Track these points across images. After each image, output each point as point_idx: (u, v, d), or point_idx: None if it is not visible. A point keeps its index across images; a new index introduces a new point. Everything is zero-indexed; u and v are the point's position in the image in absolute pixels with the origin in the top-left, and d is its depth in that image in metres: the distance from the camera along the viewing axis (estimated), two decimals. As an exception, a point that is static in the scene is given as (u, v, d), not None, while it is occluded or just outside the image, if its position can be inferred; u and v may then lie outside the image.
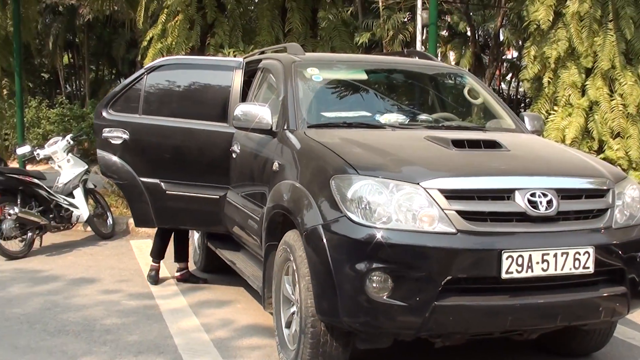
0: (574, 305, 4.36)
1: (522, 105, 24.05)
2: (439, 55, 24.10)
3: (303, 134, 5.22)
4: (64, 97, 26.70)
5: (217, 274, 7.54)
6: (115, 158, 6.71)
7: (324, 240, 4.28)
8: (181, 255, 7.53)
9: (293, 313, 4.82)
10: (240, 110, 5.58)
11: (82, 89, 34.63)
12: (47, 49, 30.19)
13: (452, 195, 4.19)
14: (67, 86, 34.82)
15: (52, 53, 30.67)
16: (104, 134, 6.72)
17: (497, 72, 24.75)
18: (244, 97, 6.59)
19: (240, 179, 6.22)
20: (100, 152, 6.78)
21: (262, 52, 7.31)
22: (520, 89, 26.37)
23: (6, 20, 14.54)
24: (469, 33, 22.94)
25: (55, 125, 21.66)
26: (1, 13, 14.54)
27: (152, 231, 9.34)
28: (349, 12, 24.54)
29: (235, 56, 10.20)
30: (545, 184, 4.40)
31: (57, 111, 22.76)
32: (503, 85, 29.11)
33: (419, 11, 19.12)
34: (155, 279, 7.39)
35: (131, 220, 9.75)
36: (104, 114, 6.78)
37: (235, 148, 6.24)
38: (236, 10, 11.83)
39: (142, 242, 9.53)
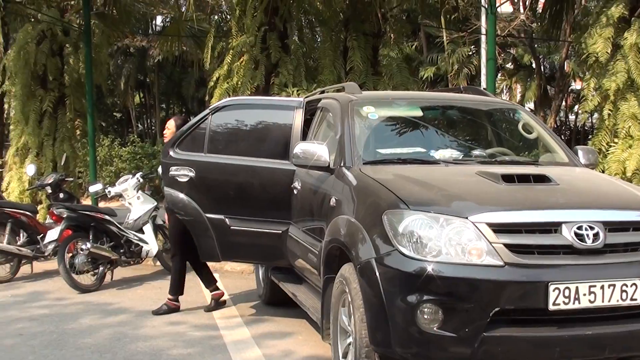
0: (622, 337, 4.41)
1: (590, 137, 23.84)
2: (504, 88, 24.03)
3: (359, 170, 5.42)
4: (135, 136, 27.34)
5: (281, 307, 7.73)
6: (182, 195, 7.01)
7: (377, 273, 4.46)
8: (209, 281, 8.10)
9: (349, 344, 4.99)
10: (299, 148, 5.81)
11: (153, 128, 35.35)
12: (119, 89, 30.97)
13: (499, 228, 4.32)
14: (139, 125, 35.58)
15: (124, 93, 31.44)
16: (171, 172, 7.02)
17: (564, 104, 24.54)
18: (304, 136, 6.83)
19: (300, 214, 6.44)
20: (167, 190, 7.10)
21: (322, 92, 7.53)
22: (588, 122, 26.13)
23: (79, 63, 15.12)
24: (534, 65, 22.83)
25: (127, 163, 22.18)
26: (74, 57, 15.14)
27: (218, 265, 9.70)
28: (414, 46, 24.76)
29: (298, 95, 10.46)
30: (592, 217, 4.47)
31: (129, 149, 23.30)
32: (570, 117, 28.80)
33: (483, 44, 19.20)
34: (162, 312, 7.78)
35: (198, 255, 10.07)
36: (171, 153, 7.10)
37: (296, 184, 6.47)
38: (299, 50, 12.09)
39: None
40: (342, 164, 5.62)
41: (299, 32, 12.98)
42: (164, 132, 8.03)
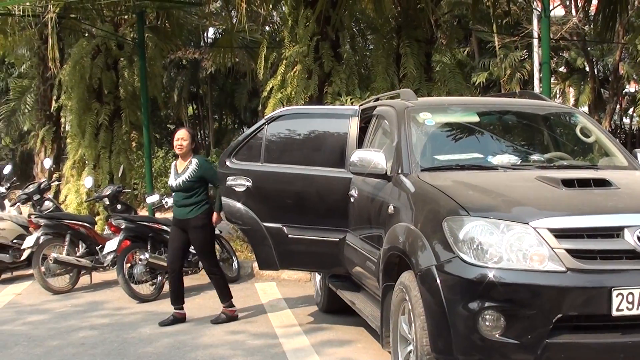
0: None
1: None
2: (557, 92, 23.79)
3: (417, 177, 5.41)
4: (189, 147, 27.60)
5: (339, 314, 7.74)
6: (239, 205, 7.05)
7: (438, 280, 4.45)
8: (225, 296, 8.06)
9: (410, 352, 4.99)
10: (356, 156, 5.82)
11: (206, 139, 35.69)
12: (172, 101, 31.33)
13: (561, 234, 4.29)
14: (192, 136, 35.93)
15: (177, 105, 31.81)
16: (228, 182, 7.08)
17: (619, 107, 24.21)
18: (360, 143, 6.84)
19: (358, 222, 6.44)
20: (224, 199, 7.15)
21: (377, 99, 7.53)
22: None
23: (133, 76, 15.36)
24: (587, 68, 22.59)
25: (182, 174, 22.45)
26: (128, 70, 15.37)
27: (276, 274, 9.74)
28: (465, 52, 24.64)
29: (352, 103, 10.47)
30: None
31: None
32: (625, 120, 28.38)
33: (535, 49, 19.05)
34: (169, 322, 7.82)
35: (256, 264, 10.12)
36: (228, 163, 7.16)
37: (353, 192, 6.48)
38: (352, 59, 12.10)
39: (266, 285, 9.89)
40: (399, 171, 5.62)
41: (351, 40, 12.97)
42: (177, 143, 7.86)
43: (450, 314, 4.36)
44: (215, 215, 7.79)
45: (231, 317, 7.89)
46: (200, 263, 9.74)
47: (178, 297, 7.96)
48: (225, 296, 7.97)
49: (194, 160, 7.81)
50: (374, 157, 5.72)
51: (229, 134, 34.62)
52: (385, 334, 5.53)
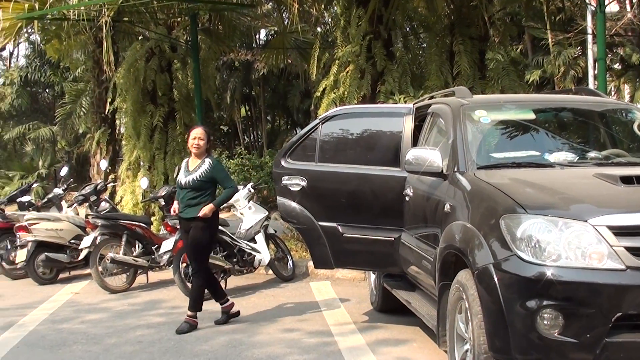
0: None
1: None
2: (613, 89, 23.41)
3: (473, 175, 5.38)
4: (242, 148, 27.78)
5: (394, 314, 7.72)
6: (294, 204, 7.08)
7: (495, 278, 4.42)
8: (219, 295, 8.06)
9: (466, 351, 4.96)
10: (411, 154, 5.82)
11: (259, 140, 35.92)
12: (225, 103, 31.61)
13: (620, 231, 4.23)
14: (245, 137, 36.19)
15: (230, 106, 32.08)
16: (283, 182, 7.12)
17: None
18: (414, 142, 6.81)
19: (413, 221, 6.42)
20: (280, 199, 7.19)
21: (431, 97, 7.50)
22: None
23: (187, 78, 15.52)
24: (642, 64, 22.20)
25: (235, 174, 22.54)
26: (182, 72, 15.54)
27: (330, 273, 9.77)
28: (518, 50, 24.38)
29: (405, 102, 10.43)
30: None
31: (236, 161, 23.69)
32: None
33: (589, 45, 18.78)
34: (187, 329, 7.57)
35: (310, 263, 10.14)
36: (283, 163, 7.19)
37: (408, 191, 6.46)
38: (405, 57, 12.05)
39: (321, 284, 9.91)
40: (455, 169, 5.59)
41: (403, 39, 12.95)
42: (194, 142, 7.68)
43: (508, 313, 4.33)
44: (210, 206, 7.62)
45: (231, 314, 8.00)
46: (254, 262, 9.83)
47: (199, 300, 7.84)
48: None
49: (208, 161, 7.74)
50: (430, 155, 5.70)
51: (282, 135, 34.77)
52: (441, 333, 5.51)
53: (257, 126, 37.01)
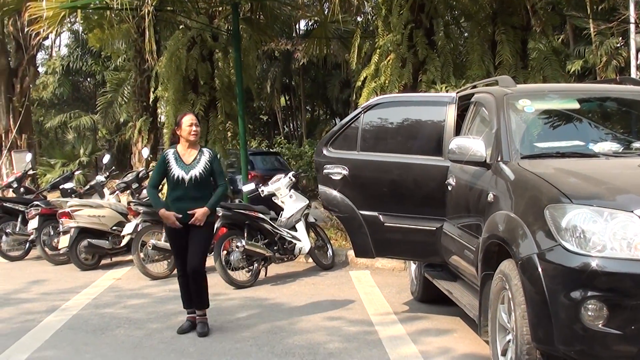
0: None
1: None
2: (659, 79, 23.03)
3: (517, 165, 5.33)
4: (282, 137, 27.89)
5: (434, 304, 7.70)
6: (335, 193, 7.09)
7: (539, 269, 4.38)
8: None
9: (509, 341, 4.94)
10: (455, 143, 5.78)
11: (298, 129, 35.99)
12: (265, 93, 31.72)
13: (667, 222, 4.17)
14: (285, 127, 36.30)
15: (270, 96, 32.19)
16: (325, 171, 7.12)
17: None
18: (457, 131, 6.78)
19: (455, 211, 6.39)
20: (321, 187, 7.20)
21: (474, 87, 7.45)
22: None
23: (228, 68, 15.57)
24: (688, 54, 21.80)
25: (275, 164, 22.65)
26: (223, 61, 15.59)
27: (370, 262, 9.77)
28: (560, 39, 24.09)
29: (447, 91, 10.37)
30: None
31: (276, 150, 23.79)
32: None
33: (632, 35, 18.47)
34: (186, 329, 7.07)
35: (350, 252, 10.18)
36: (325, 151, 7.20)
37: (451, 181, 6.43)
38: (446, 47, 11.96)
39: (360, 273, 9.91)
40: (499, 159, 5.54)
41: (445, 28, 12.83)
42: (192, 129, 6.93)
43: (552, 303, 4.29)
44: (201, 210, 6.87)
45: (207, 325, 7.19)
46: (295, 250, 9.86)
47: (191, 299, 7.18)
48: (207, 302, 7.19)
49: (206, 151, 7.11)
50: (473, 144, 5.67)
51: (321, 125, 34.86)
52: (483, 323, 5.49)
53: (296, 116, 37.09)
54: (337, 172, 7.05)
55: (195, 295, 7.10)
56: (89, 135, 37.03)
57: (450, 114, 6.84)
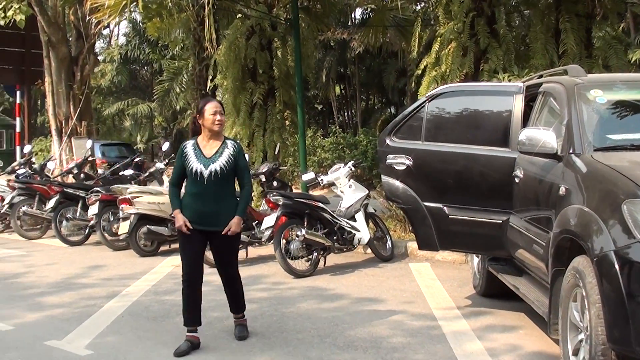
0: None
1: None
2: None
3: (590, 157, 5.15)
4: (337, 126, 27.81)
5: (497, 298, 7.53)
6: (398, 183, 6.97)
7: (616, 266, 4.21)
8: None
9: (581, 340, 4.77)
10: (524, 135, 5.62)
11: (353, 118, 35.88)
12: (320, 82, 31.65)
13: None
14: (339, 116, 36.22)
15: (325, 85, 32.11)
16: (388, 161, 7.00)
17: None
18: (524, 122, 6.60)
19: (523, 204, 6.22)
20: (384, 178, 7.08)
21: (540, 76, 7.26)
22: None
23: (287, 56, 15.53)
24: None
25: (330, 153, 22.60)
26: (282, 50, 15.55)
27: (430, 254, 9.63)
28: (620, 28, 23.57)
29: (509, 81, 10.17)
30: None
31: (331, 140, 23.74)
32: None
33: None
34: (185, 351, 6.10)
35: (410, 244, 10.08)
36: (388, 141, 7.08)
37: (518, 173, 6.25)
38: (508, 35, 11.71)
39: (421, 266, 9.76)
40: (570, 151, 5.36)
41: (507, 16, 12.60)
42: (216, 117, 6.10)
43: (630, 303, 4.12)
44: (235, 220, 6.17)
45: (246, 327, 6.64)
46: (354, 240, 9.76)
47: (197, 314, 6.37)
48: (244, 304, 6.64)
49: (231, 144, 6.29)
50: (544, 136, 5.50)
51: (376, 114, 34.71)
52: (553, 321, 5.30)
53: (351, 105, 36.97)
54: (401, 162, 6.92)
55: (232, 299, 6.55)
56: (145, 123, 37.45)
57: (517, 105, 6.66)
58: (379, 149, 7.22)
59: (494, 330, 6.55)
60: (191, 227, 6.10)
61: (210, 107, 6.13)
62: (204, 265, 6.49)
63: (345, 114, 37.85)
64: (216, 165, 6.08)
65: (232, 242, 6.35)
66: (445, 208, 6.74)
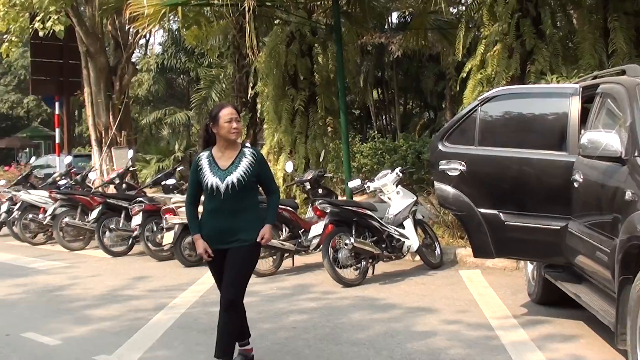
0: None
1: None
2: None
3: (657, 160, 4.96)
4: (375, 131, 27.59)
5: (554, 307, 7.32)
6: (451, 189, 6.79)
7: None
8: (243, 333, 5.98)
9: (652, 351, 4.58)
10: (586, 138, 5.45)
11: (392, 123, 35.67)
12: (358, 87, 31.47)
13: None
14: (377, 121, 36.02)
15: (363, 90, 31.93)
16: (440, 167, 6.84)
17: None
18: (581, 125, 6.40)
19: (584, 209, 6.02)
20: (437, 184, 6.92)
21: (595, 77, 7.05)
22: None
23: (327, 62, 15.41)
24: None
25: (369, 158, 22.40)
26: (322, 56, 15.44)
27: (480, 261, 9.44)
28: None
29: (558, 82, 9.96)
30: None
31: (370, 145, 23.55)
32: None
33: None
34: None
35: (459, 250, 9.91)
36: (440, 147, 6.90)
37: (577, 177, 6.06)
38: (555, 35, 11.50)
39: (471, 273, 9.57)
40: (635, 154, 5.16)
41: (552, 16, 12.37)
42: (232, 125, 5.50)
43: None
44: (267, 228, 5.64)
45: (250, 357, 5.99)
46: (403, 248, 9.60)
47: (231, 344, 5.70)
48: (248, 331, 6.03)
49: (249, 152, 5.67)
50: (607, 138, 5.32)
51: (414, 118, 34.46)
52: (620, 331, 5.10)
53: (389, 109, 36.74)
54: (454, 167, 6.75)
55: (234, 328, 5.72)
56: (183, 131, 37.58)
57: (574, 107, 6.46)
58: (431, 155, 7.07)
59: (553, 340, 6.35)
60: (212, 255, 5.58)
61: (225, 114, 5.53)
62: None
63: (383, 118, 37.62)
64: (233, 177, 5.49)
65: (250, 256, 5.69)
66: (501, 214, 6.56)
